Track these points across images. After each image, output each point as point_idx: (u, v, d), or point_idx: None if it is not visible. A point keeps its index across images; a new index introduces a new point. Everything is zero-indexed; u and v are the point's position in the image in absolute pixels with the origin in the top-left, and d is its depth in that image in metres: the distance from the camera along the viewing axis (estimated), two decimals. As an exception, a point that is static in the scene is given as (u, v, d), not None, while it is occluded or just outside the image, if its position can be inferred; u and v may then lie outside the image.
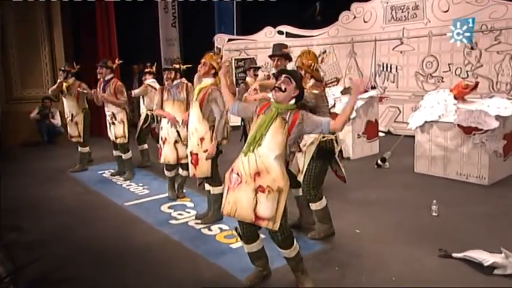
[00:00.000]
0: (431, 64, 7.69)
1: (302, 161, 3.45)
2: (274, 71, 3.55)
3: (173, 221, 4.09)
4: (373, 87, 8.51)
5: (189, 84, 4.50)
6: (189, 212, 4.36)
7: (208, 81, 3.72)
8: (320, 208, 3.49)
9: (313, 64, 3.32)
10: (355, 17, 8.73)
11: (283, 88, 2.57)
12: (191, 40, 10.00)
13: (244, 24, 10.18)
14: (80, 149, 6.07)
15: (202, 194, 4.46)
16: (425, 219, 3.98)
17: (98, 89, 5.37)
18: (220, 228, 3.88)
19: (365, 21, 8.59)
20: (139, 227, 4.02)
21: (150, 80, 6.08)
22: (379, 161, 5.78)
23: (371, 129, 6.49)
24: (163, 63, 9.80)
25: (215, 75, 3.69)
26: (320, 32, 9.29)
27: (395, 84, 8.23)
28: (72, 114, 5.94)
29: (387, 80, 8.33)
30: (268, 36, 9.55)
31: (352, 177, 5.33)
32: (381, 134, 7.75)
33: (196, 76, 5.22)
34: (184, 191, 4.85)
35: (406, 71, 8.04)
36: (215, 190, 3.90)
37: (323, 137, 3.25)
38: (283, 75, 2.61)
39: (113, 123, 5.45)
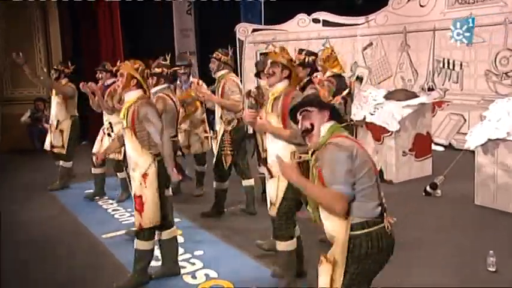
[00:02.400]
0: (508, 60, 7.18)
1: (275, 189, 3.27)
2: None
3: (155, 263, 3.88)
4: (430, 89, 8.02)
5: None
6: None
7: (131, 95, 3.38)
8: (286, 250, 3.34)
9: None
10: (408, 0, 8.32)
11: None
12: (209, 31, 9.92)
13: (273, 11, 9.97)
14: (61, 163, 6.06)
15: (197, 225, 4.47)
16: (479, 275, 3.61)
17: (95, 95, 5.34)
18: (207, 275, 3.72)
19: (421, 5, 8.22)
20: (109, 268, 3.90)
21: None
22: (428, 188, 5.47)
23: (421, 145, 6.18)
24: (176, 57, 9.78)
25: (140, 86, 3.38)
26: (365, 20, 8.91)
27: (459, 86, 7.89)
28: (58, 120, 5.96)
29: (449, 80, 7.98)
30: (301, 26, 9.33)
31: (390, 207, 5.00)
32: (437, 149, 7.34)
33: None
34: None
35: (474, 68, 7.66)
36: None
37: (299, 157, 2.94)
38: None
39: (109, 135, 5.35)
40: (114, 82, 5.31)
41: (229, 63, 4.86)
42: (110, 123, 5.32)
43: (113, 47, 8.48)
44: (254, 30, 9.55)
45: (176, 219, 4.69)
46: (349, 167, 2.11)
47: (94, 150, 5.39)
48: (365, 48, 9.08)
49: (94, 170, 5.64)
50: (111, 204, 5.55)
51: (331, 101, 2.42)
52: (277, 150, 3.08)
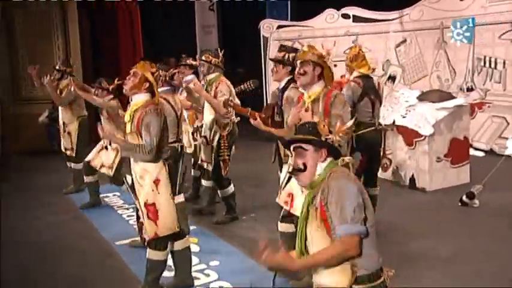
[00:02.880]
0: (556, 58, 6.87)
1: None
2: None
3: (168, 273, 3.84)
4: (470, 89, 7.77)
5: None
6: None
7: (140, 98, 3.33)
8: None
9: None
10: (446, -7, 8.14)
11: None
12: (233, 27, 9.90)
13: (301, 7, 9.88)
14: (72, 165, 6.13)
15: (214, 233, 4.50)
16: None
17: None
18: (221, 288, 3.67)
19: (460, -1, 7.91)
20: (120, 278, 3.88)
21: (189, 77, 5.79)
22: (464, 197, 5.28)
23: (458, 150, 6.03)
24: (198, 55, 9.81)
25: (150, 90, 3.33)
26: (398, 15, 8.69)
27: (501, 86, 7.64)
28: (63, 123, 6.06)
29: (490, 80, 7.72)
30: (328, 22, 9.21)
31: (421, 218, 4.89)
32: (477, 155, 7.11)
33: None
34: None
35: (518, 67, 7.40)
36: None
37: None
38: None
39: (106, 148, 5.37)
40: (112, 99, 5.29)
41: (220, 66, 4.81)
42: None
43: (132, 46, 8.58)
44: (279, 27, 9.47)
45: (192, 227, 4.73)
46: (359, 200, 1.98)
47: (88, 158, 5.44)
48: (398, 46, 8.86)
49: (86, 179, 5.64)
50: (127, 209, 5.56)
51: (328, 137, 2.21)
52: None
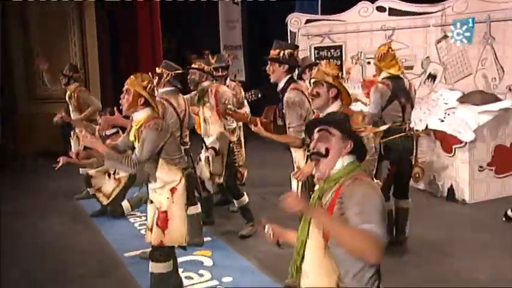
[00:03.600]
0: None
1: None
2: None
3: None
4: (514, 90, 7.50)
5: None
6: (201, 275, 4.16)
7: (140, 115, 3.36)
8: None
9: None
10: (494, -17, 7.82)
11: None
12: (258, 22, 9.86)
13: (333, 1, 9.75)
14: (81, 170, 6.24)
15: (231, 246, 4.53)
16: None
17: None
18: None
19: (510, -10, 7.64)
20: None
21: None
22: (509, 212, 5.15)
23: (503, 159, 5.95)
24: (222, 51, 9.84)
25: (148, 104, 3.35)
26: (439, 8, 8.45)
27: None
28: (71, 127, 6.28)
29: None
30: (362, 15, 9.02)
31: (459, 234, 4.85)
32: None
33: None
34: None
35: None
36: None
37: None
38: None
39: (108, 176, 5.66)
40: (116, 133, 5.42)
41: (212, 73, 4.79)
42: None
43: (151, 45, 8.68)
44: (308, 21, 9.35)
45: (207, 238, 4.73)
46: (383, 210, 1.89)
47: (91, 173, 5.66)
48: (439, 41, 8.59)
49: (90, 191, 5.78)
50: (139, 217, 5.60)
51: (360, 130, 2.14)
52: None
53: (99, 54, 8.85)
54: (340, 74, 3.14)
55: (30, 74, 8.83)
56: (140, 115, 3.34)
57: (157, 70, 4.35)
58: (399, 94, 4.24)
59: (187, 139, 4.57)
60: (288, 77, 3.68)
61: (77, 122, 6.18)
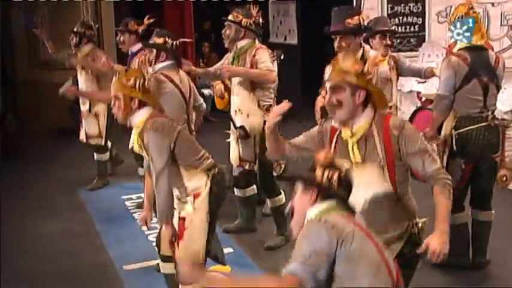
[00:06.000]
0: None
1: None
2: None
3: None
4: None
5: None
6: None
7: (139, 118, 3.51)
8: None
9: None
10: None
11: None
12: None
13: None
14: (96, 156, 6.34)
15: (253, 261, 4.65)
16: None
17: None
18: None
19: None
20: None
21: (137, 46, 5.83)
22: None
23: None
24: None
25: (143, 104, 3.51)
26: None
27: None
28: (89, 102, 6.17)
29: None
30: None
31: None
32: None
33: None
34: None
35: None
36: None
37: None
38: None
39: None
40: (142, 49, 5.31)
41: (254, 29, 4.66)
42: None
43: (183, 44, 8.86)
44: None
45: (227, 249, 4.75)
46: (322, 249, 2.15)
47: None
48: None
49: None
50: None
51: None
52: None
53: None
54: (365, 69, 2.73)
55: (31, 36, 8.83)
56: (140, 117, 3.50)
57: (157, 40, 4.35)
58: (480, 71, 4.03)
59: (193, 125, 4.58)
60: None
61: (92, 96, 6.17)
